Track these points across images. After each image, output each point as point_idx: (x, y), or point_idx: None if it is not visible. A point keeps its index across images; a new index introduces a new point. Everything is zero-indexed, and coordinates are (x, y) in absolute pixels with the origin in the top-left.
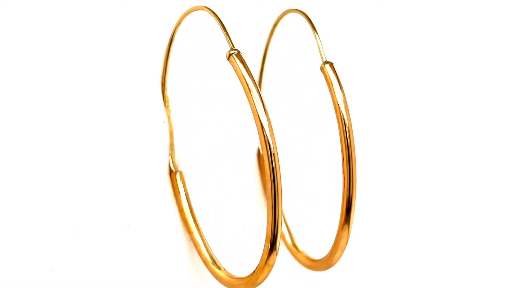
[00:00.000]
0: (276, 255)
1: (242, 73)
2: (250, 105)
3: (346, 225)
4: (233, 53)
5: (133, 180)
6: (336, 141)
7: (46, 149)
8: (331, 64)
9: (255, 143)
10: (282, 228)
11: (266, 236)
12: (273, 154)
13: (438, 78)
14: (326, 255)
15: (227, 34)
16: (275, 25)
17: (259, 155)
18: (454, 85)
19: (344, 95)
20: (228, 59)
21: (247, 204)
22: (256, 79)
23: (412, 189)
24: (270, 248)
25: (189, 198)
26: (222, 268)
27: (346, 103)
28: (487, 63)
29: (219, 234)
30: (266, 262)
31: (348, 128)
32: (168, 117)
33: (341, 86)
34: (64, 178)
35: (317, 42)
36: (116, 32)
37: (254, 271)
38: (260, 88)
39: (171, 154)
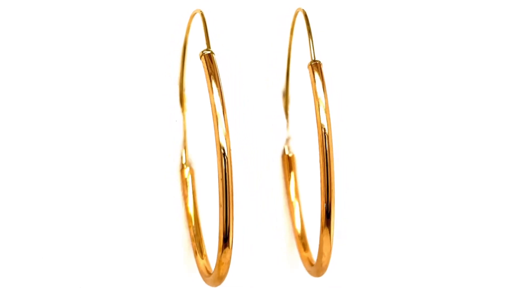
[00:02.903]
0: (230, 252)
1: (208, 73)
2: (210, 104)
3: (327, 229)
4: (206, 53)
5: (145, 173)
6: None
7: (69, 143)
8: (319, 64)
9: (281, 144)
10: (296, 223)
11: (219, 233)
12: (227, 157)
13: (435, 81)
14: (316, 261)
15: (207, 35)
16: (293, 24)
17: (283, 156)
18: (450, 87)
19: (326, 96)
20: (200, 58)
21: (268, 204)
22: (276, 79)
23: (407, 191)
24: (223, 245)
25: (195, 194)
26: (204, 257)
27: (327, 104)
28: (483, 64)
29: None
30: (220, 260)
31: (327, 133)
32: (184, 116)
33: (324, 87)
34: (75, 169)
35: (309, 41)
36: (137, 35)
37: (214, 269)
38: (287, 89)
39: (184, 151)
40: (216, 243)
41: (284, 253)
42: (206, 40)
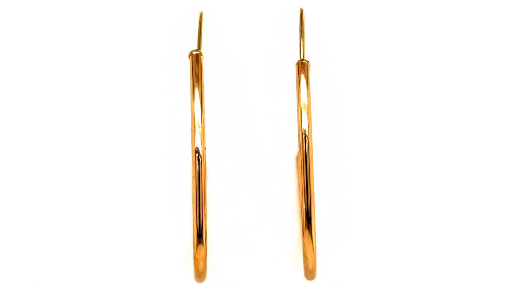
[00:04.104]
0: (204, 248)
1: (192, 73)
2: (190, 101)
3: (307, 232)
4: (195, 53)
5: (155, 170)
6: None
7: (83, 143)
8: (306, 64)
9: (295, 146)
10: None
11: (193, 230)
12: (201, 157)
13: (434, 81)
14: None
15: (200, 35)
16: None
17: (297, 156)
18: (449, 87)
19: (309, 98)
20: (188, 57)
21: (268, 204)
22: (276, 79)
23: (407, 191)
24: (197, 241)
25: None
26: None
27: (310, 106)
28: (482, 65)
29: (235, 230)
30: (195, 256)
31: (308, 135)
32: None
33: (308, 88)
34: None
35: (300, 40)
36: (137, 36)
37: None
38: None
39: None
40: (219, 240)
41: (284, 253)
42: (198, 40)
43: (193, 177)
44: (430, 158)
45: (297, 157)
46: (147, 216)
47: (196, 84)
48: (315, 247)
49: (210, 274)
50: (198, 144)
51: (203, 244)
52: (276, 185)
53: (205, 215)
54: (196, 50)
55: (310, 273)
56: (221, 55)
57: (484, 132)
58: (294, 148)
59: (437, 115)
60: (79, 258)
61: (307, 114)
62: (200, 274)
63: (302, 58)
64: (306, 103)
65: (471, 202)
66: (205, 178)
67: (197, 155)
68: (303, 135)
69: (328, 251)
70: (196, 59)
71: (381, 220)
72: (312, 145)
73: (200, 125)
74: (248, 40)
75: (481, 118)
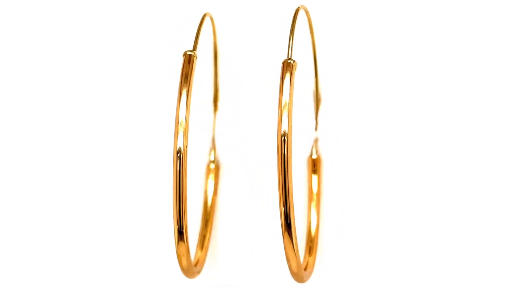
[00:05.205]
0: (186, 245)
1: (182, 72)
2: (177, 101)
3: (287, 234)
4: (188, 53)
5: (160, 168)
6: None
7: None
8: (292, 64)
9: (308, 147)
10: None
11: (174, 226)
12: (183, 155)
13: (434, 81)
14: None
15: (197, 36)
16: (309, 22)
17: (308, 157)
18: (450, 88)
19: (291, 99)
20: (182, 56)
21: (268, 204)
22: (276, 79)
23: (407, 191)
24: (178, 238)
25: (216, 190)
26: (203, 250)
27: (291, 108)
28: (488, 69)
29: (241, 230)
30: (177, 253)
31: (287, 136)
32: (215, 115)
33: (291, 89)
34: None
35: (290, 39)
36: (138, 36)
37: None
38: (317, 89)
39: (213, 149)
40: (219, 240)
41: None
42: (195, 41)
43: (173, 175)
44: (431, 159)
45: (307, 158)
46: (148, 215)
47: (184, 84)
48: (297, 249)
49: (210, 274)
50: (180, 143)
51: (183, 241)
52: (276, 185)
53: (185, 212)
54: (190, 51)
55: (296, 276)
56: (221, 55)
57: (486, 134)
58: (294, 148)
59: (439, 117)
60: (78, 257)
61: (288, 116)
62: (185, 270)
63: (289, 57)
64: (288, 100)
65: (472, 203)
66: (185, 176)
67: (178, 154)
68: (282, 137)
69: (328, 251)
70: (188, 59)
71: (381, 220)
72: (291, 147)
73: (184, 124)
74: (248, 40)
75: (484, 121)
